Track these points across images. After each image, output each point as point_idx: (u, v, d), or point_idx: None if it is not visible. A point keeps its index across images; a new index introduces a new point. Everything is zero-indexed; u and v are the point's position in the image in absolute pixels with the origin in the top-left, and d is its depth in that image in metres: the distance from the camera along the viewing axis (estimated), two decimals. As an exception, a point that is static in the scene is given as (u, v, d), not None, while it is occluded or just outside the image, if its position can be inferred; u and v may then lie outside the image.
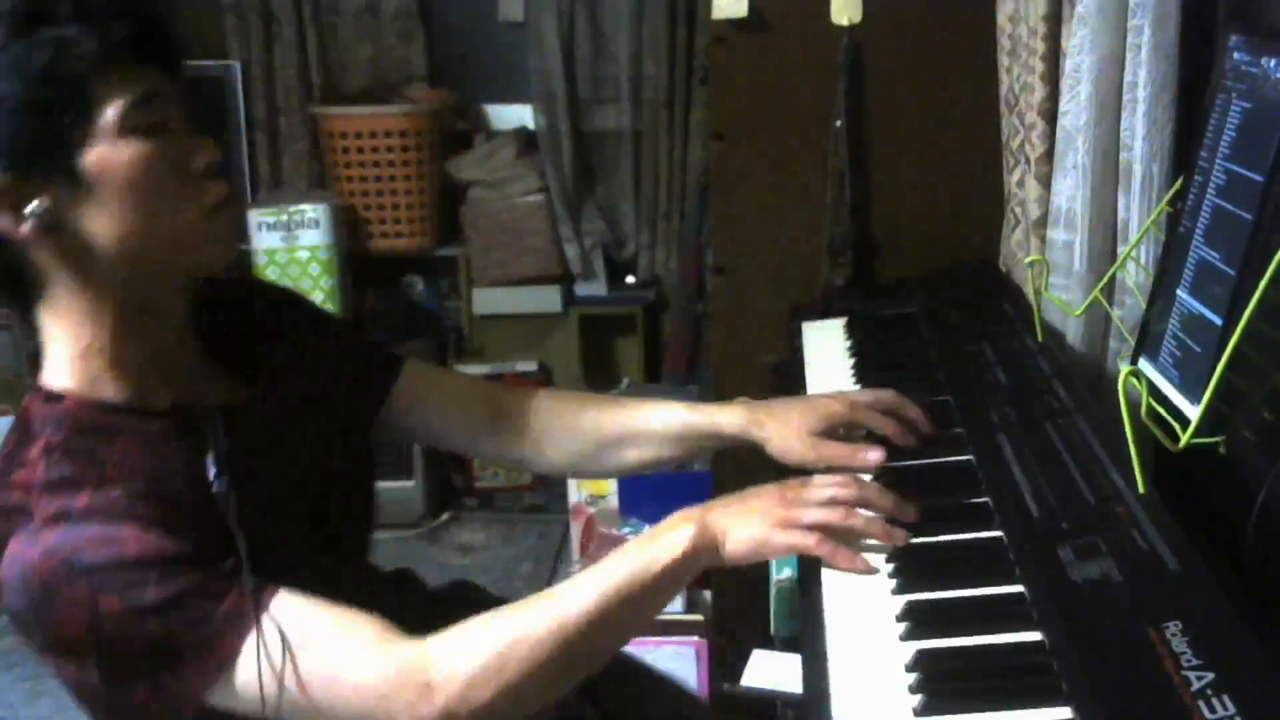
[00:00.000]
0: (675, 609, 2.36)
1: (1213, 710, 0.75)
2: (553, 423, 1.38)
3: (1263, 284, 0.96)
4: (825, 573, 1.07)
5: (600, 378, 3.51)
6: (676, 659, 2.21)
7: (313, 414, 1.20)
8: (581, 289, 3.47)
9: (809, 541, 1.07)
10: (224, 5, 3.38)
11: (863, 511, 1.10)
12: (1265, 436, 0.98)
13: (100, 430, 1.02)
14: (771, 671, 1.21)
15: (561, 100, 3.37)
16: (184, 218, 1.04)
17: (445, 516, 3.32)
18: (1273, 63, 1.02)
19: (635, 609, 1.04)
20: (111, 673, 0.97)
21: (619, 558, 1.05)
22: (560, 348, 3.48)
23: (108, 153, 1.00)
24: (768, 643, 1.65)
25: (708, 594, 2.35)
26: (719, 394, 2.00)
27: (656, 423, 1.36)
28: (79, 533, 0.95)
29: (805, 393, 1.51)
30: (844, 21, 1.84)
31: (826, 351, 1.65)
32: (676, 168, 3.37)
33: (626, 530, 2.59)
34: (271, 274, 3.18)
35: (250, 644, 0.96)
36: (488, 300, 3.42)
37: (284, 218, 3.18)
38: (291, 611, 0.99)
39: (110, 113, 0.99)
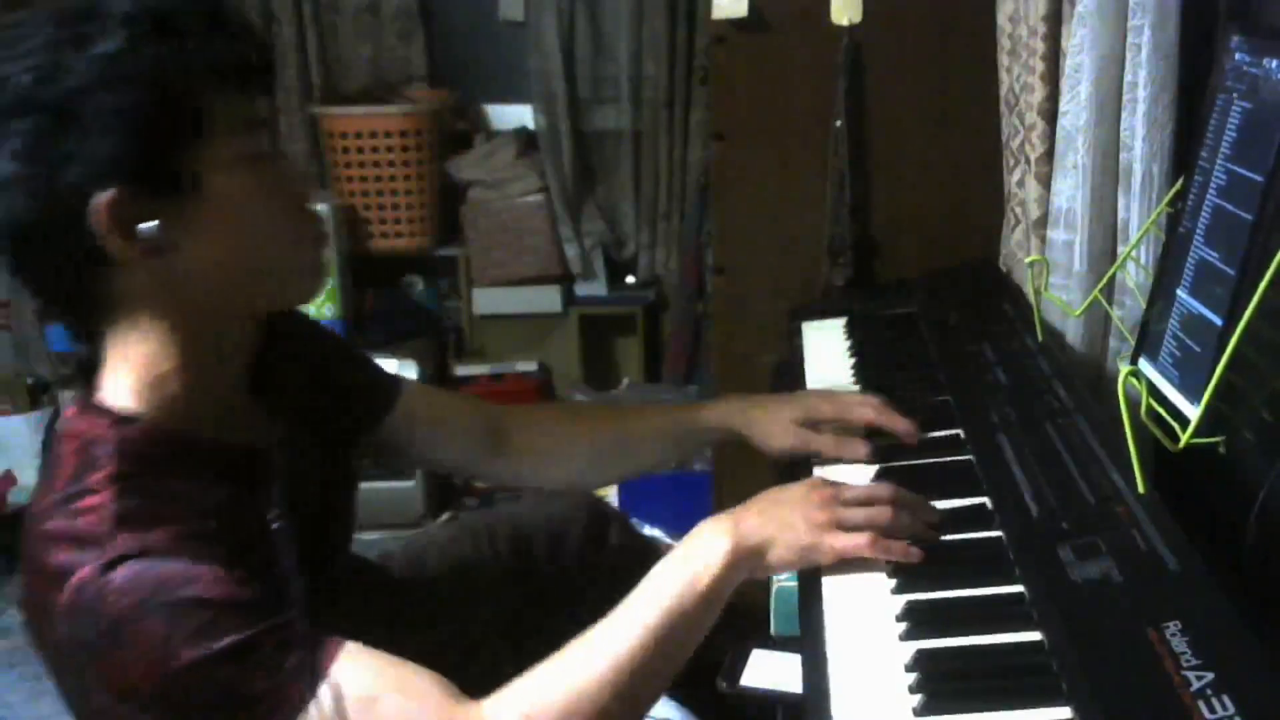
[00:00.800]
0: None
1: (1212, 710, 0.75)
2: (549, 442, 1.39)
3: (1263, 284, 0.96)
4: (825, 572, 1.07)
5: (600, 378, 3.51)
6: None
7: (318, 435, 1.19)
8: (581, 289, 3.47)
9: (862, 542, 1.04)
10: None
11: None
12: (1265, 436, 0.98)
13: (172, 462, 0.99)
14: (771, 671, 1.21)
15: (561, 100, 3.37)
16: (288, 249, 1.04)
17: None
18: (1273, 63, 1.02)
19: (686, 634, 1.01)
20: (177, 714, 0.92)
21: (661, 584, 1.01)
22: (560, 348, 3.48)
23: (225, 174, 0.98)
24: (768, 643, 1.65)
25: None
26: (719, 394, 2.00)
27: (647, 428, 1.38)
28: (156, 569, 0.91)
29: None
30: (844, 21, 1.84)
31: (826, 351, 1.65)
32: (676, 168, 3.36)
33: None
34: (271, 274, 3.18)
35: (319, 698, 0.92)
36: (488, 300, 3.42)
37: (284, 218, 3.18)
38: (360, 665, 0.95)
39: (226, 137, 0.98)
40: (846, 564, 1.07)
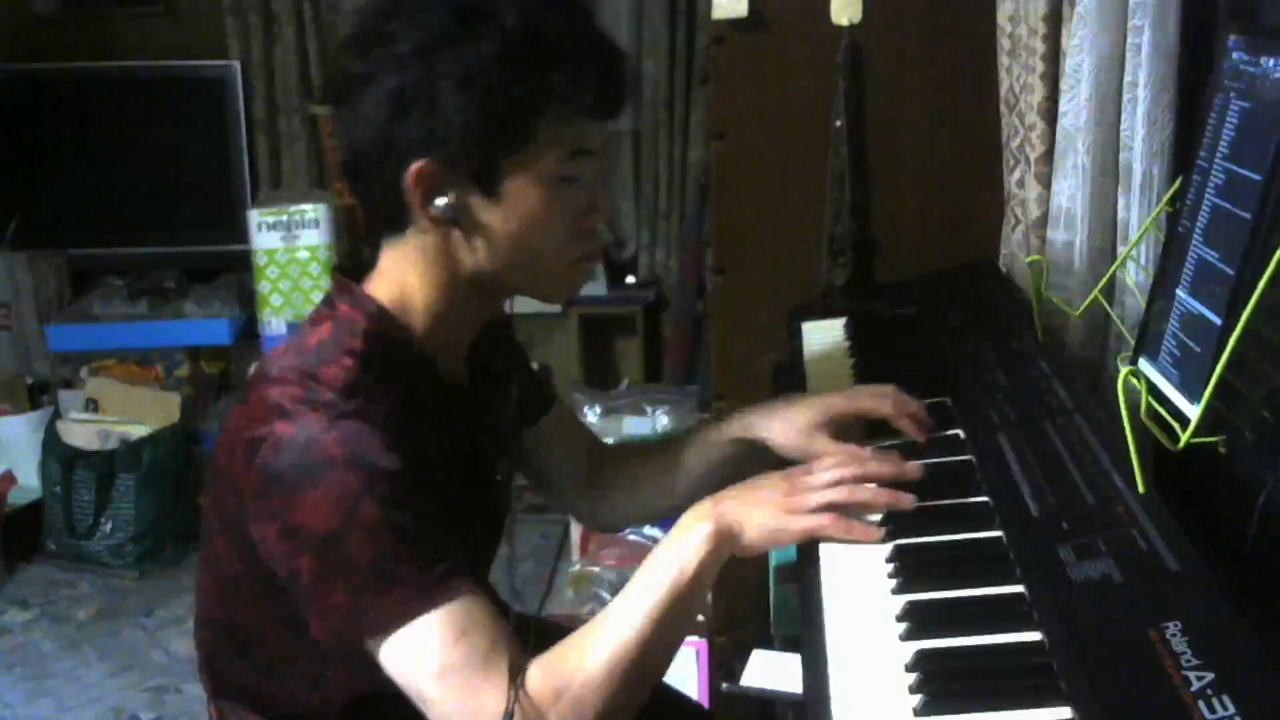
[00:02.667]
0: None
1: (1212, 710, 0.75)
2: (635, 472, 1.44)
3: (1262, 284, 0.96)
4: (825, 572, 1.07)
5: (600, 378, 3.51)
6: (676, 659, 2.20)
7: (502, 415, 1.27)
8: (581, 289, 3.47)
9: (823, 523, 1.10)
10: (224, 5, 3.38)
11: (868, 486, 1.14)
12: (1265, 436, 0.98)
13: (409, 364, 1.12)
14: (771, 671, 1.21)
15: (561, 100, 3.37)
16: (559, 262, 1.14)
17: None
18: (1272, 63, 1.02)
19: (681, 616, 1.07)
20: (328, 566, 1.01)
21: (653, 572, 1.07)
22: (560, 348, 3.48)
23: (527, 186, 1.09)
24: (768, 643, 1.65)
25: (708, 594, 2.35)
26: (719, 394, 2.00)
27: (689, 454, 1.41)
28: (373, 435, 1.02)
29: (805, 393, 1.51)
30: (844, 21, 1.84)
31: (826, 351, 1.65)
32: (676, 168, 3.37)
33: (627, 530, 2.59)
34: (271, 274, 3.19)
35: (438, 613, 1.00)
36: (488, 300, 3.42)
37: (284, 218, 3.18)
38: (477, 607, 1.02)
39: (547, 156, 1.08)
40: (846, 564, 1.08)
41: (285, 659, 1.14)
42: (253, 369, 1.11)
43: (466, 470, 1.19)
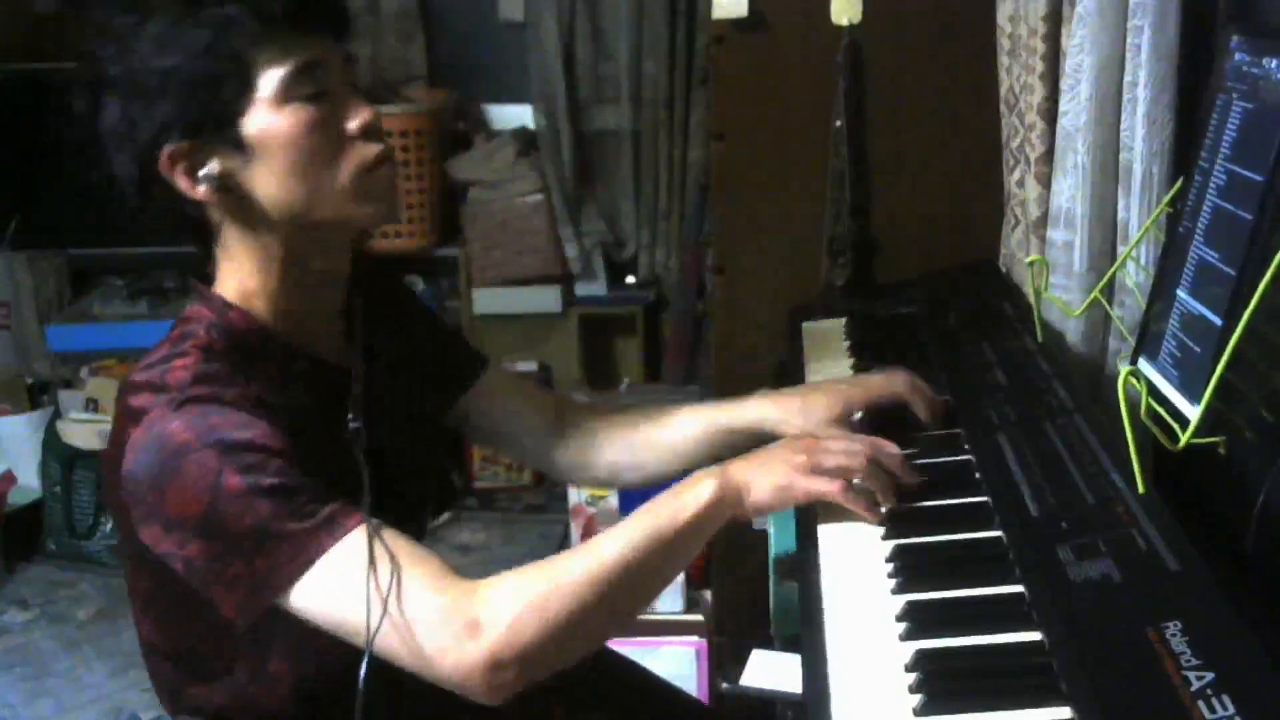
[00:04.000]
0: (675, 609, 2.36)
1: (1212, 710, 0.75)
2: (599, 434, 1.43)
3: (1263, 284, 0.96)
4: (825, 571, 1.07)
5: (600, 378, 3.51)
6: (676, 659, 2.21)
7: (403, 395, 1.27)
8: (581, 289, 3.47)
9: (833, 488, 1.11)
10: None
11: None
12: (1265, 437, 0.98)
13: (258, 350, 1.12)
14: (771, 671, 1.21)
15: (561, 100, 3.37)
16: (339, 178, 1.12)
17: (445, 516, 3.32)
18: (1273, 63, 1.02)
19: (665, 558, 1.08)
20: (217, 548, 1.03)
21: (648, 511, 1.08)
22: (560, 348, 3.48)
23: (267, 120, 1.09)
24: (768, 643, 1.65)
25: (708, 594, 2.35)
26: (719, 394, 1.99)
27: (687, 428, 1.40)
28: (220, 414, 1.04)
29: (818, 383, 1.51)
30: (844, 21, 1.84)
31: (826, 352, 1.65)
32: (676, 168, 3.36)
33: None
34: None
35: (335, 550, 1.02)
36: (488, 300, 3.42)
37: (284, 218, 3.18)
38: (380, 533, 1.04)
39: (269, 83, 1.08)
40: (846, 564, 1.08)
41: (225, 664, 1.15)
42: (121, 381, 1.15)
43: (343, 450, 1.16)
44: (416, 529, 1.29)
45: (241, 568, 1.03)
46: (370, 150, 1.13)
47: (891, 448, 1.16)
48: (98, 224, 3.61)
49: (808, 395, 1.35)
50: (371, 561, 1.02)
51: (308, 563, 1.02)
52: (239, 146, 1.09)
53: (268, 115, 1.08)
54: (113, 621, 2.91)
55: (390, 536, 1.05)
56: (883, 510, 1.12)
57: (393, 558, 1.03)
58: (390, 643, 1.02)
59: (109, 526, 3.11)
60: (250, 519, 1.02)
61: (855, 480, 1.12)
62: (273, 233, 1.12)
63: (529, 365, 3.44)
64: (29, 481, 3.25)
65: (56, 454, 3.12)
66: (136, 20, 1.08)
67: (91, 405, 3.28)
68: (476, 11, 3.44)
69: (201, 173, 1.09)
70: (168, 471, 1.03)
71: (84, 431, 3.16)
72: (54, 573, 3.13)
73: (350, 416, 1.16)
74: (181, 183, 1.09)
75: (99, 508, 3.10)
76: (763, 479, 1.10)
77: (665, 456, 1.40)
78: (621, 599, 1.07)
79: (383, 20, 3.42)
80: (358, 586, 1.02)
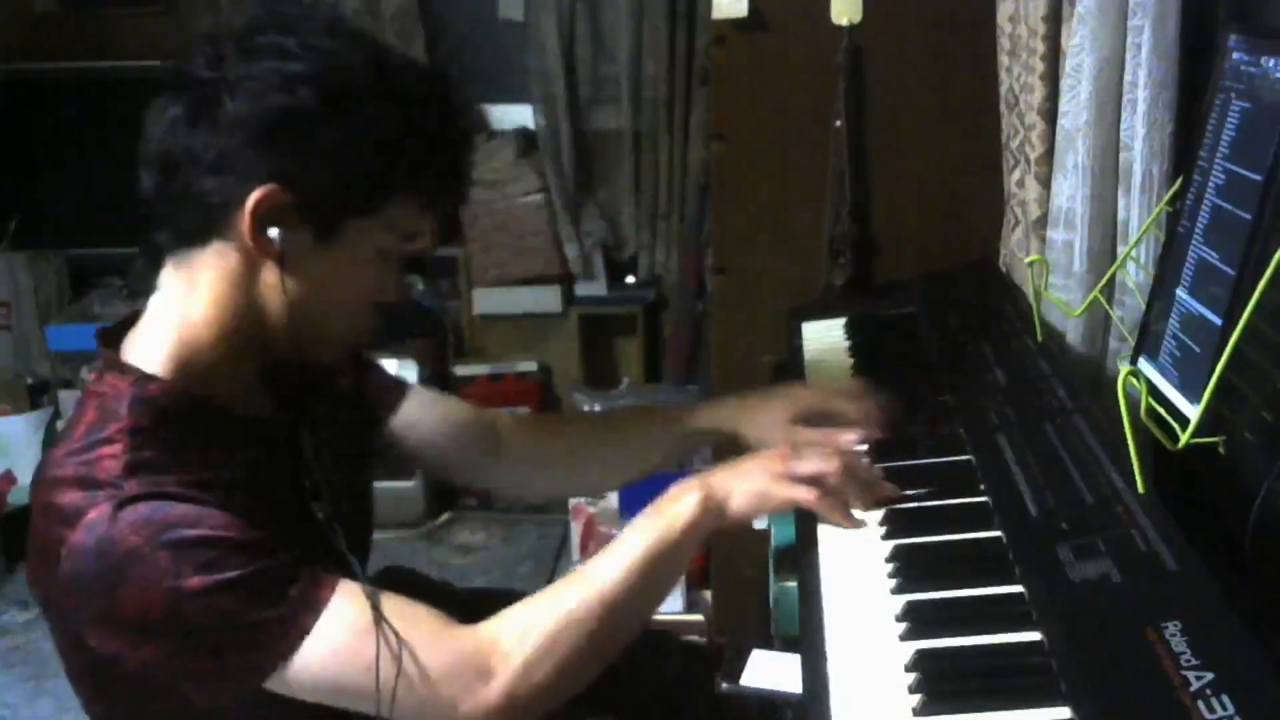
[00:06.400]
0: (675, 609, 2.36)
1: (1212, 710, 0.75)
2: (542, 449, 1.43)
3: (1262, 284, 0.96)
4: (825, 572, 1.07)
5: (600, 378, 3.51)
6: (676, 659, 2.20)
7: (335, 435, 1.23)
8: (581, 289, 3.47)
9: (809, 496, 1.13)
10: (224, 5, 3.38)
11: None
12: (1265, 437, 0.98)
13: (188, 420, 1.04)
14: (771, 671, 1.21)
15: (561, 100, 3.37)
16: (343, 331, 1.12)
17: (445, 517, 3.32)
18: (1272, 63, 1.02)
19: (660, 575, 1.10)
20: (180, 648, 0.98)
21: (639, 530, 1.09)
22: (560, 348, 3.48)
23: (356, 248, 1.06)
24: (768, 643, 1.65)
25: (708, 594, 2.35)
26: (719, 394, 2.00)
27: (639, 433, 1.41)
28: (167, 509, 0.97)
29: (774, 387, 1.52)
30: (844, 21, 1.84)
31: (826, 351, 1.65)
32: (676, 168, 3.36)
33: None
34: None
35: (319, 627, 0.98)
36: (488, 300, 3.42)
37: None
38: (357, 597, 1.01)
39: (387, 228, 1.07)
40: (846, 564, 1.08)
41: None
42: (38, 471, 1.05)
43: (297, 511, 1.12)
44: (363, 556, 1.26)
45: (210, 664, 0.99)
46: (372, 330, 1.13)
47: (868, 466, 1.19)
48: (98, 224, 3.62)
49: (760, 400, 1.38)
50: (377, 624, 0.99)
51: (293, 645, 0.98)
52: (321, 241, 1.05)
53: (360, 241, 1.06)
54: (113, 621, 2.91)
55: (378, 595, 1.01)
56: (858, 517, 1.14)
57: (391, 615, 1.00)
58: (403, 701, 0.99)
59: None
60: (216, 618, 0.96)
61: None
62: (259, 304, 1.07)
63: (529, 365, 3.44)
64: (29, 481, 3.24)
65: (56, 454, 3.12)
66: (377, 84, 1.03)
67: (91, 405, 3.28)
68: (476, 11, 3.44)
69: (272, 230, 1.02)
70: (117, 580, 0.96)
71: (84, 431, 3.16)
72: (54, 573, 3.12)
73: (306, 484, 1.12)
74: (248, 221, 1.02)
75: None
76: (741, 488, 1.12)
77: (613, 468, 1.42)
78: (624, 620, 1.08)
79: (382, 20, 3.41)
80: (358, 654, 0.98)
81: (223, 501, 1.00)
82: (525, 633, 1.02)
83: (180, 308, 1.07)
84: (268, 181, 1.01)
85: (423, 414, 1.38)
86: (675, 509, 1.10)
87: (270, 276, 1.06)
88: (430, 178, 1.07)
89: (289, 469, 1.13)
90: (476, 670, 1.00)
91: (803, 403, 1.36)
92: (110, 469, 0.99)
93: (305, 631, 0.98)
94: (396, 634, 0.99)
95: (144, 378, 1.04)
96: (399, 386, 1.37)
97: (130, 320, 1.12)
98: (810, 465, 1.14)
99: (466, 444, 1.40)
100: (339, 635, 0.99)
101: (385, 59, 1.06)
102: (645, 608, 1.12)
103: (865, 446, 1.29)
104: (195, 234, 1.06)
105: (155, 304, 1.09)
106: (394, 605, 1.02)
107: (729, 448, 1.39)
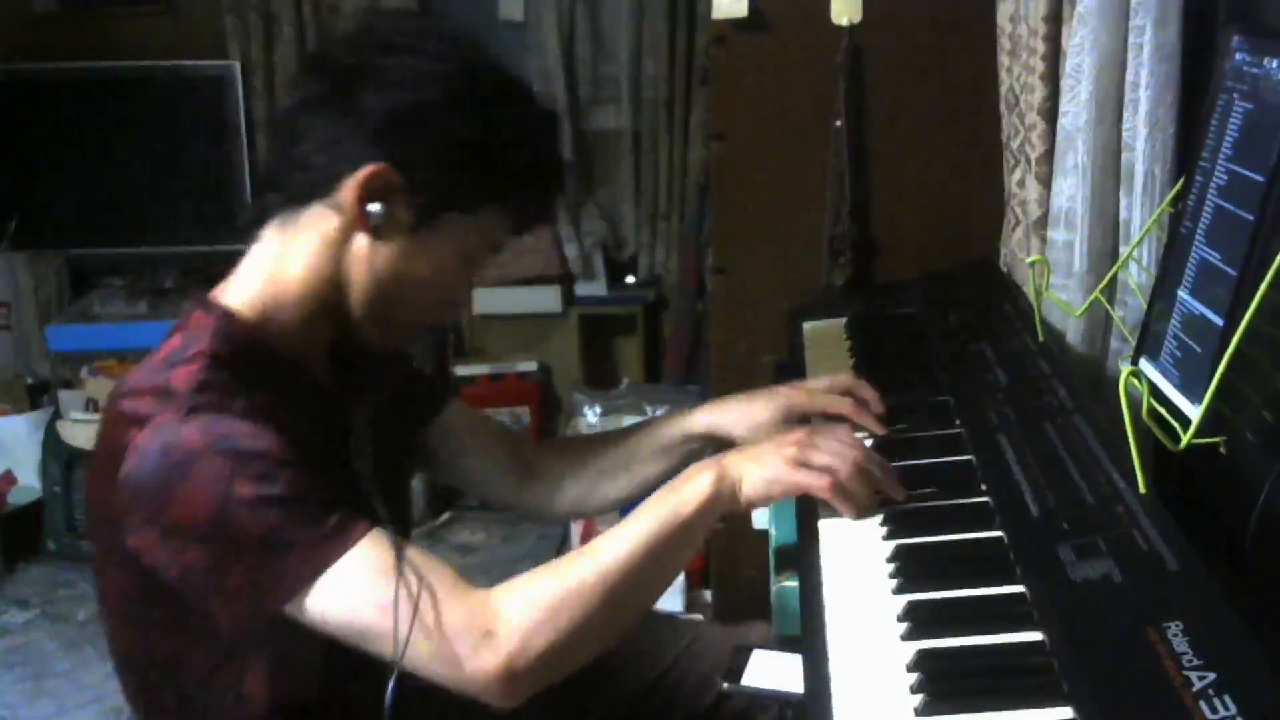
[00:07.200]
0: (675, 609, 2.36)
1: (1214, 710, 0.75)
2: (562, 465, 1.45)
3: (1264, 284, 0.96)
4: (825, 572, 1.07)
5: (600, 378, 3.51)
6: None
7: (381, 428, 1.26)
8: (581, 289, 3.47)
9: (821, 483, 1.13)
10: (224, 5, 3.38)
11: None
12: (1266, 437, 0.98)
13: (261, 364, 1.11)
14: (771, 671, 1.21)
15: (561, 100, 3.37)
16: (410, 318, 1.19)
17: (445, 516, 3.32)
18: (1274, 63, 1.02)
19: (669, 555, 1.10)
20: (219, 556, 1.02)
21: (649, 509, 1.10)
22: (560, 348, 3.48)
23: (445, 243, 1.14)
24: (768, 643, 1.65)
25: (708, 594, 2.35)
26: (719, 394, 1.99)
27: (645, 442, 1.42)
28: (230, 423, 1.03)
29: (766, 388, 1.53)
30: (844, 21, 1.84)
31: (826, 352, 1.65)
32: (676, 168, 3.36)
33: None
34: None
35: (347, 558, 1.01)
36: (488, 300, 3.42)
37: (284, 218, 3.17)
38: (385, 542, 1.04)
39: (476, 232, 1.15)
40: (847, 564, 1.08)
41: (203, 680, 1.13)
42: (115, 385, 1.12)
43: (342, 474, 1.16)
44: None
45: (244, 577, 1.02)
46: (426, 326, 1.24)
47: (882, 464, 1.18)
48: (98, 224, 3.63)
49: (751, 400, 1.39)
50: (399, 568, 1.02)
51: (319, 569, 1.01)
52: (417, 228, 1.11)
53: (451, 237, 1.13)
54: (113, 621, 2.91)
55: (405, 545, 1.05)
56: (866, 512, 1.14)
57: (413, 565, 1.03)
58: (417, 649, 1.01)
59: (109, 526, 3.11)
60: (259, 527, 1.01)
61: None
62: (344, 276, 1.13)
63: (529, 365, 3.44)
64: (29, 481, 3.25)
65: (56, 454, 3.12)
66: (504, 95, 1.14)
67: (91, 405, 3.28)
68: (476, 11, 3.44)
69: (372, 206, 1.10)
70: (175, 476, 1.01)
71: (84, 431, 3.16)
72: (54, 573, 3.13)
73: (353, 454, 1.17)
74: (354, 191, 1.09)
75: (99, 508, 3.10)
76: (755, 471, 1.13)
77: (625, 483, 1.43)
78: (629, 599, 1.08)
79: (383, 20, 3.41)
80: (377, 593, 1.01)
81: (280, 429, 1.05)
82: (529, 601, 1.03)
83: (274, 261, 1.14)
84: (378, 160, 1.08)
85: (460, 424, 1.42)
86: (688, 488, 1.11)
87: (361, 248, 1.12)
88: (528, 197, 1.17)
89: (338, 442, 1.17)
90: (481, 633, 1.01)
91: (791, 402, 1.37)
92: (186, 382, 1.05)
93: (335, 557, 1.01)
94: (420, 579, 1.02)
95: (229, 315, 1.11)
96: (441, 394, 1.42)
97: (218, 275, 1.18)
98: (823, 456, 1.14)
99: (495, 463, 1.44)
100: (363, 571, 1.02)
101: (510, 79, 1.17)
102: (652, 586, 1.12)
103: (870, 442, 1.30)
104: (303, 196, 1.13)
105: (252, 255, 1.16)
106: (419, 556, 1.04)
107: (727, 449, 1.39)
